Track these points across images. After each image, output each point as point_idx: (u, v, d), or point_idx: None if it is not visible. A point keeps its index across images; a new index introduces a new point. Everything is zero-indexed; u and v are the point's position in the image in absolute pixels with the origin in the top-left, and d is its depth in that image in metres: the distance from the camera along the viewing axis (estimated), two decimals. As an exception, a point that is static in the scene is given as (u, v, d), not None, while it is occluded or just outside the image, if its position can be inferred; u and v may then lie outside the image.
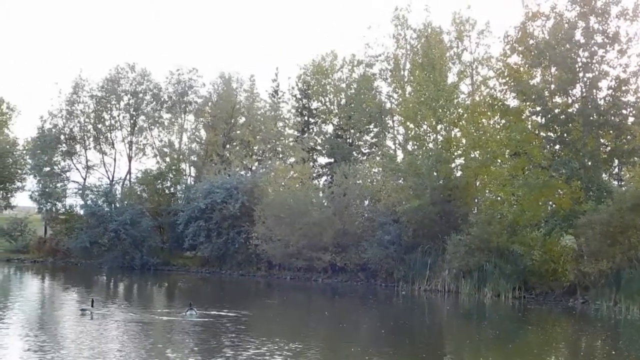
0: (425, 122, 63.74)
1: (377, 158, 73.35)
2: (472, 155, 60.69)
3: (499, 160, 59.40)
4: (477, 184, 61.50)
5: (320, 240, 64.24)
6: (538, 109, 57.87)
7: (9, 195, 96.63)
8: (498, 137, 58.38)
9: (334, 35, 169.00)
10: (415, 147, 65.23)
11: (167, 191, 79.83)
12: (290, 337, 33.12)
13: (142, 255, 71.40)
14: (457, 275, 56.55)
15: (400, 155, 71.79)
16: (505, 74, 58.44)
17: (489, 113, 60.66)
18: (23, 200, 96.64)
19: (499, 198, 58.95)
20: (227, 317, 38.46)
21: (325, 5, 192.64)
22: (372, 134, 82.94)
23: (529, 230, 55.58)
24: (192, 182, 79.29)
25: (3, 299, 45.12)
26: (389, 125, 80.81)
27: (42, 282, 62.86)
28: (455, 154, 63.15)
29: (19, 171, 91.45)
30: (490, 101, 59.84)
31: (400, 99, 73.63)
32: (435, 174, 60.82)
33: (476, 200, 62.76)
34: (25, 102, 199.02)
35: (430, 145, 63.36)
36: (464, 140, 62.14)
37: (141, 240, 71.78)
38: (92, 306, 38.46)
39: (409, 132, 67.83)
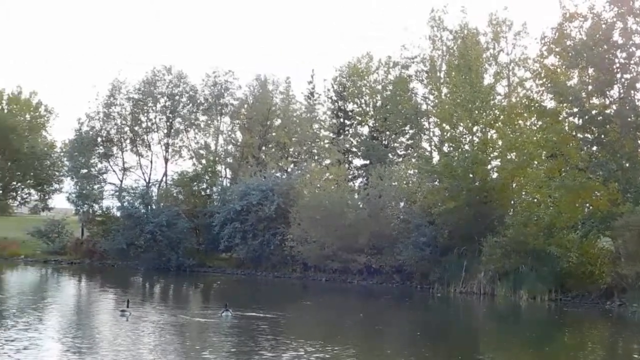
0: (461, 124, 63.57)
1: (413, 160, 73.21)
2: (509, 157, 60.47)
3: (536, 162, 59.04)
4: (514, 186, 61.18)
5: (355, 242, 64.19)
6: (575, 110, 57.30)
7: (46, 197, 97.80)
8: (534, 138, 57.93)
9: (369, 37, 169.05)
10: (451, 148, 65.01)
11: (202, 193, 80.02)
12: (326, 339, 33.05)
13: (178, 256, 71.59)
14: (492, 277, 56.30)
15: (436, 157, 71.62)
16: (542, 75, 57.93)
17: (525, 114, 60.25)
18: (60, 202, 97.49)
19: (535, 200, 58.63)
20: (263, 319, 38.48)
21: (361, 7, 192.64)
22: (407, 136, 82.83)
23: (566, 232, 55.11)
24: (228, 184, 79.49)
25: (41, 300, 45.46)
26: (424, 126, 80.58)
27: (78, 283, 63.24)
28: (492, 155, 62.99)
29: (57, 173, 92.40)
30: (526, 102, 59.37)
31: (436, 101, 73.46)
32: (471, 175, 60.66)
33: (512, 202, 62.44)
34: (63, 104, 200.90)
35: (466, 146, 63.17)
36: (500, 142, 61.92)
37: (177, 242, 72.01)
38: (127, 306, 38.63)
39: (445, 133, 67.71)
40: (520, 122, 60.98)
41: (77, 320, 38.38)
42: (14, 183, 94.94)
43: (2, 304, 42.09)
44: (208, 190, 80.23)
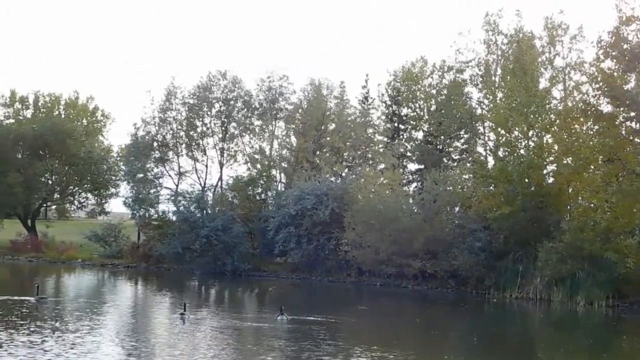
0: (517, 128, 63.30)
1: (468, 164, 72.90)
2: (565, 162, 59.97)
3: (592, 167, 58.44)
4: (570, 191, 60.62)
5: (410, 246, 64.10)
6: (632, 114, 56.75)
7: (103, 201, 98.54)
8: (591, 143, 57.42)
9: (423, 41, 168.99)
10: (507, 153, 64.76)
11: (257, 197, 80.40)
12: (383, 344, 33.17)
13: (233, 261, 71.91)
14: (549, 283, 55.92)
15: (491, 162, 71.28)
16: (599, 79, 57.41)
17: (581, 119, 59.67)
18: (117, 206, 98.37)
19: (592, 205, 58.05)
20: (320, 323, 38.64)
21: (415, 11, 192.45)
22: (462, 140, 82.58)
23: (623, 237, 54.51)
24: (283, 189, 79.65)
25: (98, 303, 46.04)
26: (479, 131, 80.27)
27: (135, 287, 63.93)
28: (547, 160, 62.58)
29: (113, 178, 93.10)
30: (583, 107, 58.91)
31: (491, 105, 73.24)
32: (526, 180, 60.36)
33: (568, 207, 61.87)
34: (119, 109, 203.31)
35: (522, 151, 62.89)
36: (556, 147, 61.45)
37: (232, 246, 72.30)
38: (184, 310, 39.03)
39: (500, 138, 67.42)
40: (576, 126, 60.38)
41: (136, 324, 38.82)
42: (72, 187, 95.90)
43: (62, 308, 42.77)
44: (263, 195, 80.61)
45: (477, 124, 79.70)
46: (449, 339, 38.36)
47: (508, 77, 66.09)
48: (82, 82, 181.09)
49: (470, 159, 74.66)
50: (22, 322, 34.05)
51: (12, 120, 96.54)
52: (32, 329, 31.98)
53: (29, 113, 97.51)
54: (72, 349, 27.86)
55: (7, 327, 32.20)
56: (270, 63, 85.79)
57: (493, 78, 75.13)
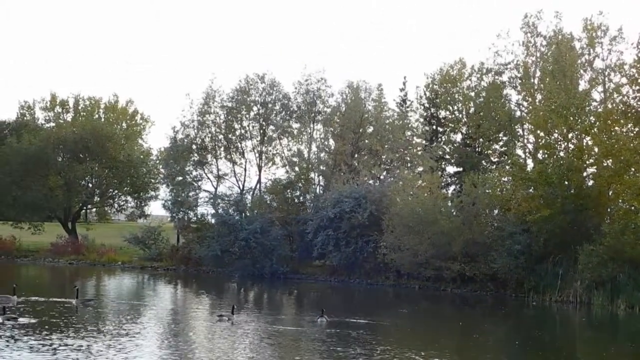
0: (556, 131, 63.05)
1: (507, 167, 72.51)
2: (605, 164, 59.61)
3: (633, 169, 58.07)
4: (610, 193, 60.23)
5: (449, 249, 63.98)
6: (673, 115, 56.45)
7: (143, 204, 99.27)
8: (631, 145, 57.05)
9: (461, 43, 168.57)
10: (546, 155, 64.42)
11: (296, 200, 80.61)
12: (425, 347, 33.20)
13: (271, 263, 72.18)
14: (589, 286, 55.65)
15: (530, 164, 70.86)
16: (639, 80, 57.14)
17: (621, 121, 59.37)
18: (156, 209, 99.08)
19: (632, 207, 57.60)
20: (359, 325, 38.74)
21: (453, 13, 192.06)
22: (501, 143, 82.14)
23: (665, 240, 54.20)
24: (321, 192, 79.74)
25: (140, 306, 46.31)
26: (518, 133, 79.81)
27: (174, 289, 64.21)
28: (587, 162, 62.21)
29: (153, 180, 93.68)
30: (623, 109, 58.59)
31: (531, 107, 72.85)
32: (566, 183, 60.10)
33: (609, 210, 61.48)
34: (158, 112, 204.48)
35: (561, 153, 62.65)
36: (596, 149, 61.12)
37: (271, 249, 72.53)
38: (232, 313, 39.26)
39: (540, 140, 67.16)
40: (616, 128, 60.02)
41: (175, 326, 38.98)
42: (111, 190, 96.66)
43: (105, 311, 43.09)
44: (301, 198, 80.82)
45: (516, 126, 79.21)
46: (491, 342, 38.31)
47: (547, 79, 65.80)
48: (121, 84, 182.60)
49: (509, 161, 74.18)
50: (64, 325, 34.36)
51: (52, 124, 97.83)
52: (79, 333, 32.27)
53: (69, 116, 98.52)
54: (119, 351, 28.09)
55: (52, 330, 32.50)
56: (308, 65, 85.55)
57: (532, 80, 74.61)
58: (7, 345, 28.16)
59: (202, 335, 35.62)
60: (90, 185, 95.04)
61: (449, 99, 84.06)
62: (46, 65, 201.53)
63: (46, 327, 33.24)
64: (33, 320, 34.89)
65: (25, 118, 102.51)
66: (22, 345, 28.48)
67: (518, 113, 79.33)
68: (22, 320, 34.52)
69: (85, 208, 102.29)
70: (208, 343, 32.86)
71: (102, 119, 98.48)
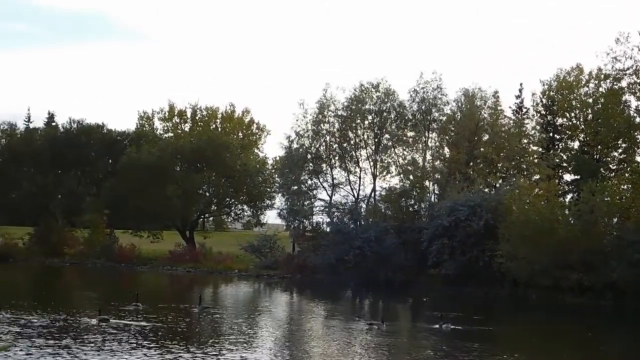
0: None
1: (626, 174, 71.07)
2: None
3: None
4: None
5: (566, 258, 62.85)
6: None
7: (259, 213, 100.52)
8: None
9: (577, 49, 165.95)
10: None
11: (410, 209, 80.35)
12: (546, 356, 32.96)
13: (386, 272, 72.09)
14: None
15: (650, 172, 69.27)
16: None
17: None
18: (272, 217, 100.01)
19: None
20: (483, 332, 38.62)
21: (569, 19, 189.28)
22: (620, 150, 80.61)
23: None
24: (436, 200, 79.35)
25: (259, 314, 47.15)
26: (638, 140, 78.21)
27: (290, 297, 64.79)
28: None
29: (268, 190, 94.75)
30: None
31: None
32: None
33: None
34: (273, 120, 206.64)
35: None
36: None
37: (385, 257, 72.42)
38: (382, 322, 39.75)
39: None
40: None
41: (290, 334, 39.42)
42: (228, 199, 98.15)
43: (227, 318, 43.83)
44: (416, 206, 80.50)
45: (635, 133, 77.65)
46: (615, 354, 37.81)
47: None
48: (238, 93, 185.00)
49: (628, 168, 72.71)
50: (188, 332, 35.16)
51: (171, 134, 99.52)
52: (204, 340, 33.00)
53: (187, 127, 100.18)
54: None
55: (174, 336, 33.28)
56: (423, 72, 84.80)
57: (652, 85, 73.09)
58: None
59: (328, 343, 35.88)
60: (207, 194, 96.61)
61: (566, 105, 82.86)
62: (165, 77, 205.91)
63: (171, 334, 34.00)
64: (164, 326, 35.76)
65: (144, 128, 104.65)
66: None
67: (638, 119, 77.72)
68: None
69: (202, 217, 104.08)
70: (320, 351, 33.12)
71: (219, 129, 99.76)
